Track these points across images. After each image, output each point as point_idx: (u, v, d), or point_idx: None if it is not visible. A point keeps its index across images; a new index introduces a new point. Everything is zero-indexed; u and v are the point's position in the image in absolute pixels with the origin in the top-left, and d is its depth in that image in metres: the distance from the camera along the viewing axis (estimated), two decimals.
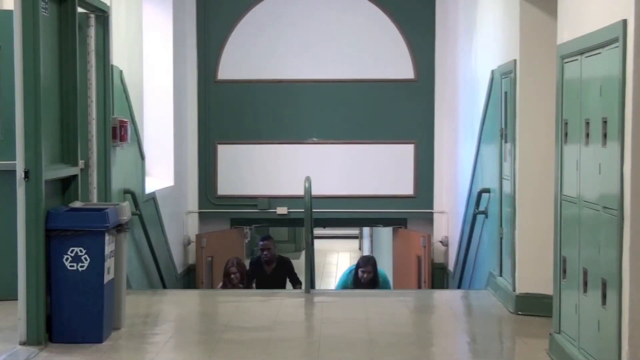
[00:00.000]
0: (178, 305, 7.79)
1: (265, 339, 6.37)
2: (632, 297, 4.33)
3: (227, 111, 11.59)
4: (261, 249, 9.86)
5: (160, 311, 7.48)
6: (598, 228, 4.77)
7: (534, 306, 6.86)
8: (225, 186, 11.57)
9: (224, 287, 9.68)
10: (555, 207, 5.62)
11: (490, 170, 8.23)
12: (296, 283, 9.94)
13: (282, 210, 11.31)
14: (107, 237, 5.83)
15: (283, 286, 9.88)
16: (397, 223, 12.16)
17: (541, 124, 6.79)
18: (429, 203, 11.71)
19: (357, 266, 9.64)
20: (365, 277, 9.46)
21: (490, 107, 8.31)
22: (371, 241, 17.90)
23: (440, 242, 11.52)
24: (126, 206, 6.25)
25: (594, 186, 4.87)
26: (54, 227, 5.72)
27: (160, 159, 10.38)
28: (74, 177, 6.27)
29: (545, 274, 6.22)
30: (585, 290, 5.01)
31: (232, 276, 9.57)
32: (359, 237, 21.44)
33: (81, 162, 6.61)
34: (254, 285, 9.95)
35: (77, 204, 6.18)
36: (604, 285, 4.66)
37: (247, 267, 10.02)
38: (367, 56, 11.59)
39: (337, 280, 10.31)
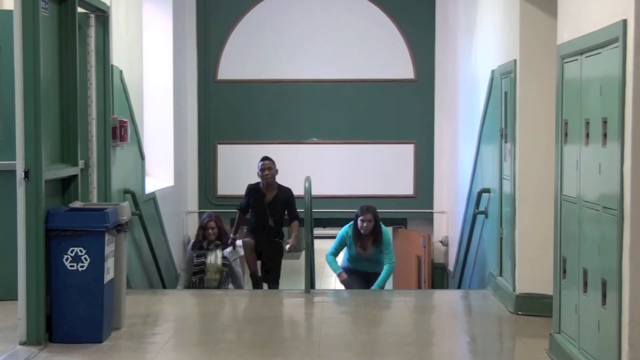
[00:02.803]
0: (178, 305, 7.79)
1: (266, 339, 6.37)
2: (632, 297, 4.34)
3: (227, 111, 11.60)
4: (261, 169, 8.94)
5: (160, 311, 7.48)
6: (598, 228, 4.77)
7: (534, 306, 6.86)
8: (225, 186, 11.57)
9: (197, 243, 9.04)
10: (555, 207, 5.62)
11: (490, 170, 8.23)
12: (294, 219, 9.07)
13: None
14: (107, 237, 5.83)
15: (281, 218, 9.08)
16: (397, 223, 12.15)
17: (541, 124, 6.80)
18: (429, 203, 11.71)
19: (356, 216, 8.76)
20: (365, 226, 8.63)
21: (490, 107, 8.31)
22: None
23: (440, 242, 11.52)
24: (126, 206, 6.25)
25: (594, 186, 4.87)
26: (54, 227, 5.72)
27: (160, 159, 10.38)
28: (74, 177, 6.27)
29: (545, 274, 6.22)
30: (585, 290, 5.02)
31: (210, 231, 9.02)
32: None
33: (81, 162, 6.61)
34: (248, 216, 9.17)
35: (77, 204, 6.18)
36: (604, 285, 4.66)
37: (244, 194, 9.19)
38: (367, 56, 11.59)
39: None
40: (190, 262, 9.09)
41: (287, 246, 9.04)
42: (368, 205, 8.88)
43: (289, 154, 11.59)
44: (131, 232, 7.96)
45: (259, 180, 9.10)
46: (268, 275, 9.12)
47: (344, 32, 11.59)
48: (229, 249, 8.91)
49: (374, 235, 8.75)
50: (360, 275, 8.84)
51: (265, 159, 9.09)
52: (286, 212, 9.16)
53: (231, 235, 9.05)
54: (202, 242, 9.04)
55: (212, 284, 8.90)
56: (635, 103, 4.28)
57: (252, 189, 9.12)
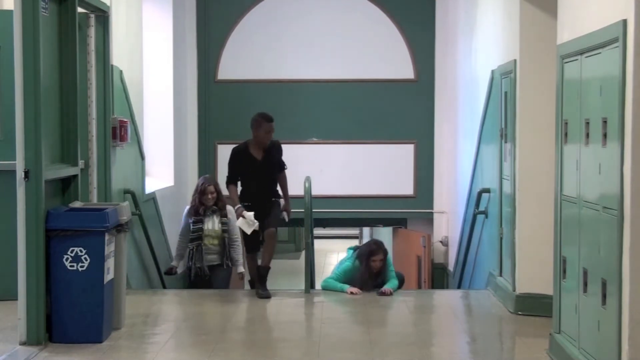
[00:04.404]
0: (178, 305, 7.79)
1: (265, 339, 6.38)
2: (632, 297, 4.34)
3: (227, 111, 11.59)
4: (267, 131, 8.00)
5: (160, 311, 7.48)
6: (598, 228, 4.77)
7: (534, 306, 6.86)
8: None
9: (194, 209, 8.53)
10: (555, 207, 5.62)
11: (490, 170, 8.23)
12: (282, 169, 8.21)
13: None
14: (107, 237, 5.83)
15: (273, 175, 8.12)
16: (397, 223, 12.15)
17: (541, 124, 6.80)
18: (429, 203, 11.71)
19: (366, 255, 8.16)
20: (377, 265, 8.08)
21: (490, 107, 8.31)
22: None
23: (440, 242, 11.52)
24: (126, 206, 6.25)
25: (594, 186, 4.87)
26: (54, 227, 5.72)
27: (160, 159, 10.37)
28: (74, 177, 6.28)
29: (545, 274, 6.22)
30: (585, 290, 5.02)
31: (210, 196, 8.48)
32: (359, 237, 21.47)
33: (81, 162, 6.61)
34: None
35: (77, 204, 6.18)
36: (604, 285, 4.66)
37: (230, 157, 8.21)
38: (367, 56, 11.59)
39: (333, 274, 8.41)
40: (187, 230, 8.69)
41: (284, 215, 8.18)
42: (376, 243, 8.39)
43: (289, 154, 11.50)
44: (131, 232, 7.95)
45: (243, 141, 8.22)
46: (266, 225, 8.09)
47: (344, 32, 11.59)
48: (240, 221, 7.96)
49: (382, 271, 8.18)
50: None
51: (272, 120, 8.17)
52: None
53: (236, 207, 7.98)
54: (199, 208, 8.57)
55: (210, 251, 8.57)
56: (635, 103, 4.28)
57: (240, 152, 8.12)
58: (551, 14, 6.51)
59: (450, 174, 11.15)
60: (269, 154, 8.11)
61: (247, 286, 9.05)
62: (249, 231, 7.81)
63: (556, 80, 5.63)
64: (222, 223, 8.55)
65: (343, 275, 8.24)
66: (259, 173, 8.05)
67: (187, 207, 8.89)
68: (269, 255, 7.95)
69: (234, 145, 8.22)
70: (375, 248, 8.25)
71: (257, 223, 7.81)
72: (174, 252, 10.25)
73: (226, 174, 8.69)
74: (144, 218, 8.70)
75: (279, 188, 8.21)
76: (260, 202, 8.04)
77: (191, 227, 8.60)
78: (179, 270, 8.99)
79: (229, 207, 8.57)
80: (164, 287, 9.49)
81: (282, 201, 8.24)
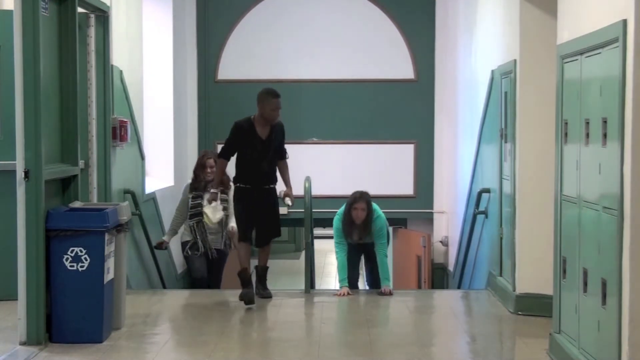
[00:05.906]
0: (178, 305, 7.79)
1: (265, 339, 6.37)
2: (632, 297, 4.34)
3: (227, 111, 11.56)
4: (275, 108, 7.52)
5: (160, 311, 7.48)
6: (598, 228, 4.77)
7: (534, 306, 6.86)
8: None
9: (194, 185, 8.39)
10: (555, 207, 5.62)
11: (490, 170, 8.23)
12: (283, 157, 7.81)
13: (282, 210, 11.25)
14: (107, 237, 5.83)
15: (275, 158, 7.69)
16: (397, 223, 12.15)
17: (541, 124, 6.80)
18: (429, 203, 11.71)
19: (350, 205, 8.02)
20: (359, 215, 7.97)
21: (490, 107, 8.32)
22: None
23: (440, 242, 11.52)
24: (126, 206, 6.25)
25: (594, 186, 4.87)
26: (54, 227, 5.72)
27: (160, 159, 10.37)
28: (74, 177, 6.28)
29: (545, 274, 6.22)
30: (585, 290, 5.02)
31: (209, 170, 8.29)
32: None
33: (81, 162, 6.61)
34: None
35: (77, 204, 6.18)
36: (604, 285, 4.66)
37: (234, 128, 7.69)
38: (367, 56, 11.60)
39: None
40: (184, 205, 8.52)
41: (288, 200, 7.82)
42: (361, 192, 8.11)
43: (289, 154, 11.58)
44: (131, 232, 7.96)
45: (247, 117, 7.77)
46: (269, 232, 7.81)
47: (344, 32, 11.60)
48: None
49: (366, 225, 8.05)
50: (355, 249, 8.36)
51: (279, 96, 7.68)
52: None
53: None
54: (198, 183, 8.38)
55: (210, 230, 8.45)
56: (635, 103, 4.28)
57: (244, 128, 7.62)
58: (551, 14, 6.51)
59: (450, 174, 11.15)
60: (273, 133, 7.70)
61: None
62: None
63: (556, 80, 5.63)
64: (222, 200, 8.25)
65: (340, 234, 8.14)
66: (262, 154, 7.62)
67: (187, 183, 8.83)
68: (265, 255, 7.87)
69: None
70: (357, 196, 8.06)
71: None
72: (174, 253, 10.26)
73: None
74: (144, 218, 8.70)
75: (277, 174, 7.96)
76: (260, 186, 7.63)
77: (190, 202, 8.48)
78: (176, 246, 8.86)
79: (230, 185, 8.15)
80: (164, 287, 9.49)
81: (280, 191, 7.97)
